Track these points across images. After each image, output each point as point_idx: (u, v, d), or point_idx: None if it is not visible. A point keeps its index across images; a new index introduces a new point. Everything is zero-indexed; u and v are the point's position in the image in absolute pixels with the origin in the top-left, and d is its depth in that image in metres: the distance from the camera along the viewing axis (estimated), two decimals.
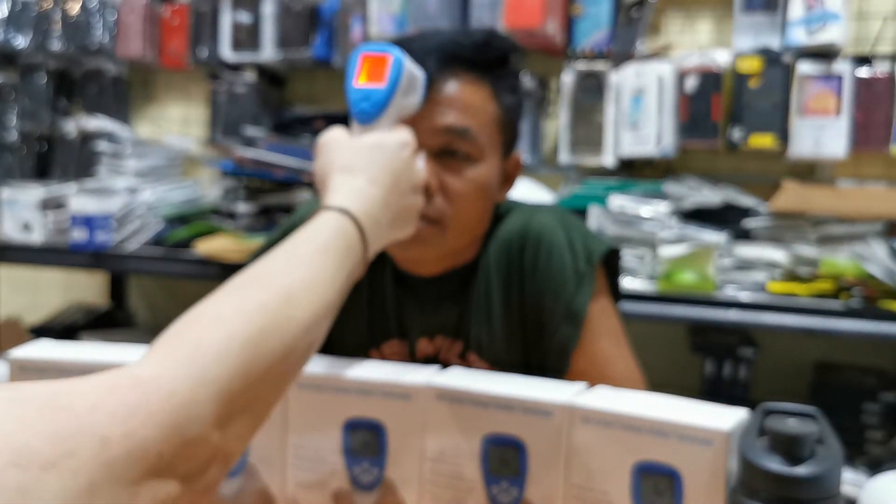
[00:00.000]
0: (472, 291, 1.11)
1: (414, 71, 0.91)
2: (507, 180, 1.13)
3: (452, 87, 1.03)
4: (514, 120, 1.10)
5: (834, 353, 2.14)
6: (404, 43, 1.07)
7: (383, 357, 1.12)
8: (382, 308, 1.12)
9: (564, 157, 2.11)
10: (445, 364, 1.10)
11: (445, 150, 1.03)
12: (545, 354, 1.09)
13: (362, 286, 1.11)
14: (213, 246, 2.10)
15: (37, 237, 2.30)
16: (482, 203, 1.07)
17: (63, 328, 2.46)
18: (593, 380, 1.03)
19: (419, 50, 1.03)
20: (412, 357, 1.12)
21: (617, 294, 1.16)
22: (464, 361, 1.11)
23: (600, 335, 1.09)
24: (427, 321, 1.11)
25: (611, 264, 1.15)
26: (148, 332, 2.57)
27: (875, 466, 1.79)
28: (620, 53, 2.08)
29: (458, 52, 1.04)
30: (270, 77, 2.45)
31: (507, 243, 1.11)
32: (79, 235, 2.22)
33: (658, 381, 1.17)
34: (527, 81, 2.11)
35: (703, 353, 2.12)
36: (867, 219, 1.86)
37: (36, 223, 2.30)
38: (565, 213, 1.16)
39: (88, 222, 2.21)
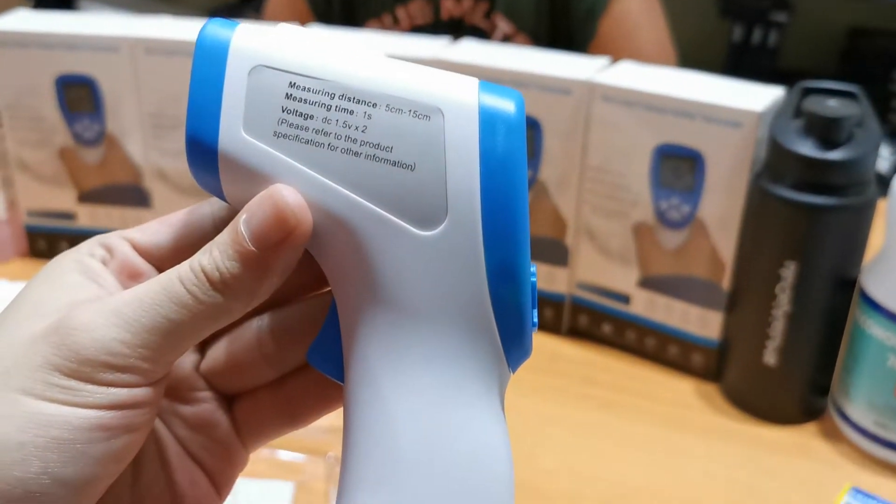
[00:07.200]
0: None
1: None
2: None
3: None
4: None
5: (869, 19, 2.03)
6: None
7: (409, 14, 1.08)
8: None
9: None
10: (470, 26, 1.07)
11: None
12: (572, 19, 1.05)
13: None
14: None
15: None
16: None
17: None
18: (620, 47, 0.99)
19: None
20: (436, 16, 1.08)
21: None
22: (489, 22, 1.07)
23: None
24: None
25: None
26: None
27: None
28: None
29: None
30: None
31: None
32: None
33: (681, 49, 1.11)
34: None
35: (732, 18, 2.02)
36: None
37: None
38: None
39: None
